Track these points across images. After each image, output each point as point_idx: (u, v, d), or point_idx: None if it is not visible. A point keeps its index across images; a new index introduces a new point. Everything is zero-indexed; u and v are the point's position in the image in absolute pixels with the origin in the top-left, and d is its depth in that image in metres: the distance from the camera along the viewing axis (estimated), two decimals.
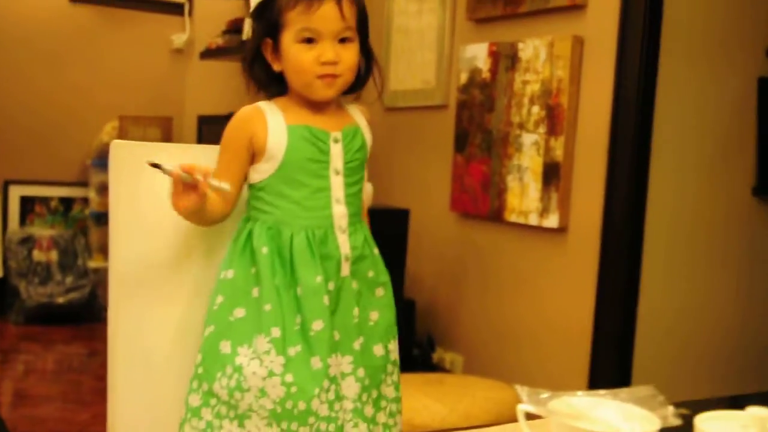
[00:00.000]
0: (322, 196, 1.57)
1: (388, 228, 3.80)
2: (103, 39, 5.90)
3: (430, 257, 4.21)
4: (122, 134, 5.46)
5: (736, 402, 1.22)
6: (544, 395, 1.11)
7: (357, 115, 1.67)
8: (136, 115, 5.70)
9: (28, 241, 5.49)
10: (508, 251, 3.70)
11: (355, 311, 1.59)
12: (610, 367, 3.22)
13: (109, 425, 1.63)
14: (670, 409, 1.08)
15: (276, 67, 1.60)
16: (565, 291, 3.41)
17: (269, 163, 1.56)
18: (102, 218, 5.48)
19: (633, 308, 3.23)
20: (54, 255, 5.51)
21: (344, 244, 1.58)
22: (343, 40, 1.56)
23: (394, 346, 1.67)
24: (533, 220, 3.48)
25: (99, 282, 5.40)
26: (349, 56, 1.56)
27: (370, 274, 1.63)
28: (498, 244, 3.76)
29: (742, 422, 1.10)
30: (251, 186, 1.60)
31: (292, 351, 1.51)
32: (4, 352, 4.66)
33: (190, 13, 6.15)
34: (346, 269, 1.58)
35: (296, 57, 1.55)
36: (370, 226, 1.75)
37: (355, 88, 1.66)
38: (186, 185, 1.46)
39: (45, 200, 5.84)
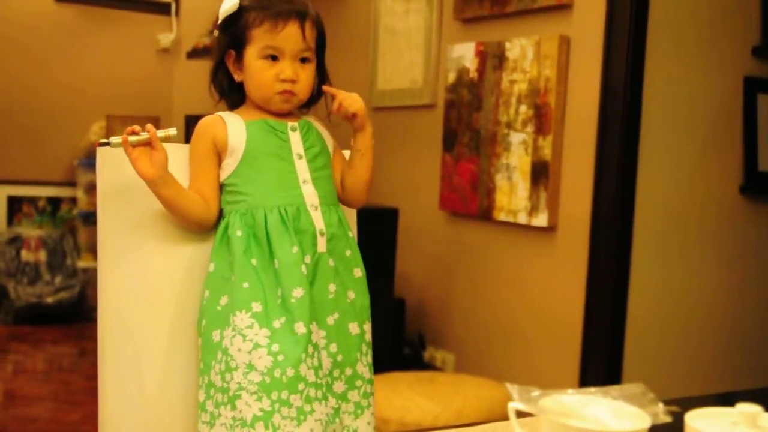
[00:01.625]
0: (290, 178, 1.62)
1: (378, 227, 3.81)
2: (90, 39, 5.89)
3: (420, 256, 4.21)
4: (110, 134, 5.44)
5: (726, 399, 1.23)
6: (535, 393, 1.11)
7: (311, 119, 1.74)
8: (124, 114, 5.68)
9: (16, 241, 5.47)
10: (498, 250, 3.71)
11: (331, 287, 1.62)
12: (600, 364, 3.24)
13: (100, 425, 1.63)
14: (661, 406, 1.09)
15: (237, 78, 1.68)
16: (555, 289, 3.42)
17: (232, 156, 1.62)
18: (90, 218, 5.47)
19: (623, 306, 3.24)
20: (42, 255, 5.50)
21: (318, 220, 1.61)
22: (302, 60, 1.64)
23: (368, 327, 1.70)
24: (522, 219, 3.49)
25: (88, 282, 5.39)
26: (306, 76, 1.65)
27: (348, 253, 1.67)
28: (487, 243, 3.77)
29: (732, 419, 1.10)
30: (223, 184, 1.64)
31: (277, 323, 1.54)
32: None
33: (177, 13, 6.14)
34: (322, 245, 1.61)
35: (258, 72, 1.63)
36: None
37: (308, 104, 1.74)
38: (140, 147, 1.52)
39: (33, 200, 5.83)
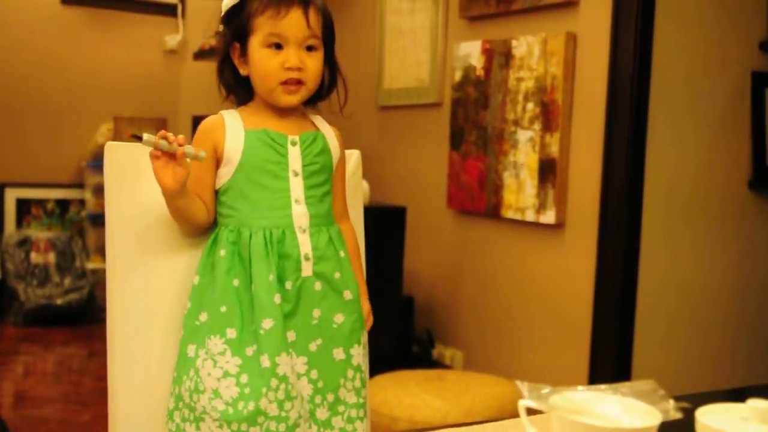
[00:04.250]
0: (282, 197, 1.57)
1: (386, 226, 3.81)
2: (97, 41, 5.90)
3: (428, 254, 4.21)
4: (117, 135, 5.47)
5: (737, 394, 1.23)
6: (545, 390, 1.11)
7: (322, 124, 1.68)
8: (131, 116, 5.70)
9: (26, 243, 5.48)
10: (506, 247, 3.71)
11: (315, 313, 1.58)
12: (609, 360, 3.23)
13: (110, 426, 1.63)
14: (671, 402, 1.09)
15: (243, 72, 1.62)
16: (563, 286, 3.42)
17: (227, 166, 1.57)
18: (99, 219, 5.48)
19: (632, 302, 3.24)
20: (52, 257, 5.51)
21: (305, 243, 1.57)
22: (308, 48, 1.58)
23: (357, 351, 1.64)
24: (530, 216, 3.49)
25: (97, 283, 5.40)
26: (313, 64, 1.59)
27: (336, 275, 1.61)
28: (495, 241, 3.77)
29: (743, 415, 1.10)
30: (216, 192, 1.61)
31: (250, 351, 1.52)
32: (4, 354, 4.67)
33: (183, 14, 6.15)
34: (307, 269, 1.57)
35: (262, 62, 1.57)
36: (351, 232, 1.74)
37: (318, 98, 1.68)
38: (165, 156, 1.48)
39: (41, 202, 5.84)
